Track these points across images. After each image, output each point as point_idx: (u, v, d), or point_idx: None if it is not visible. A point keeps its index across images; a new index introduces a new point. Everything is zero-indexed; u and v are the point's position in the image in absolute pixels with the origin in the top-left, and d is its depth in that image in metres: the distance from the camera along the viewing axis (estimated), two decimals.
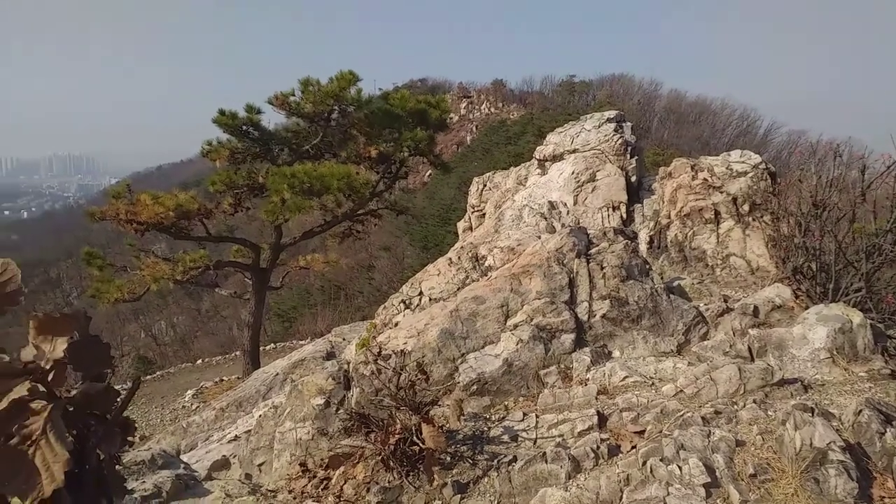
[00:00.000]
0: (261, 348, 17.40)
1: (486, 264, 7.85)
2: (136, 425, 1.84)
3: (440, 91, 72.35)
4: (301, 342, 21.32)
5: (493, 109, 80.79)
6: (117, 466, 1.74)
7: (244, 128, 15.00)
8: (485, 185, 12.24)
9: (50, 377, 1.40)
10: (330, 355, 11.49)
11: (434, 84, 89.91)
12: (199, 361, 22.14)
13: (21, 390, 1.36)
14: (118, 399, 1.71)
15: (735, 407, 3.98)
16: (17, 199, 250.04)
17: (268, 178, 14.41)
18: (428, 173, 58.79)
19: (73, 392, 1.55)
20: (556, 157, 10.52)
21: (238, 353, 20.61)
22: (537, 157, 10.92)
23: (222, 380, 16.54)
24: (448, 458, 3.97)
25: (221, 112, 14.62)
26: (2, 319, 1.66)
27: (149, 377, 18.62)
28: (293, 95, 14.82)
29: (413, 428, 3.91)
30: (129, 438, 1.77)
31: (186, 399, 14.67)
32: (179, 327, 43.59)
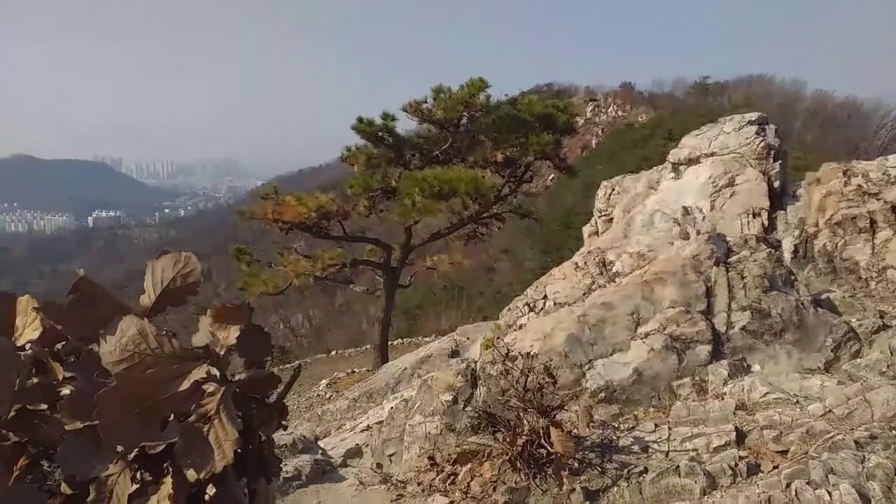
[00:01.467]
0: (389, 343, 18.06)
1: (614, 270, 7.72)
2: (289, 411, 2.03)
3: (566, 95, 71.36)
4: (426, 339, 21.86)
5: (620, 112, 78.50)
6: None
7: (380, 134, 15.66)
8: (613, 189, 12.00)
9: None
10: (455, 353, 11.74)
11: (560, 88, 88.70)
12: (333, 353, 23.32)
13: (200, 373, 1.51)
14: (278, 385, 1.90)
15: (894, 432, 3.68)
16: (175, 198, 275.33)
17: (400, 181, 14.98)
18: (551, 177, 58.19)
19: (241, 376, 1.74)
20: (692, 161, 10.12)
21: (368, 346, 21.49)
22: (671, 160, 10.56)
23: (353, 371, 17.35)
24: (576, 464, 3.98)
25: (360, 119, 15.35)
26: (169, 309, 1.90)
27: (286, 366, 19.87)
28: (425, 103, 15.30)
29: (541, 431, 3.96)
30: (283, 423, 1.96)
31: (321, 388, 15.53)
32: (314, 320, 46.07)
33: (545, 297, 7.72)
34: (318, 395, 15.00)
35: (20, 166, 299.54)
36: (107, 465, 1.35)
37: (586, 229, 12.14)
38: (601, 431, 4.49)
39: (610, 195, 11.73)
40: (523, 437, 4.03)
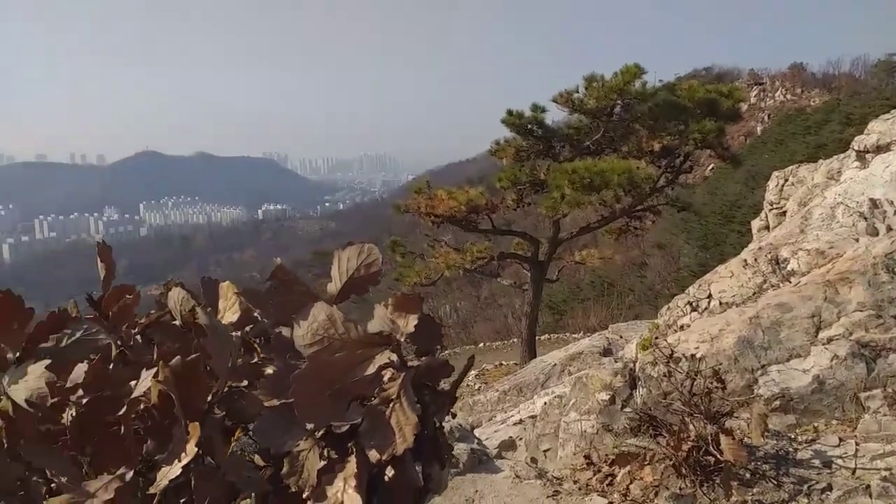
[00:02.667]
0: (536, 338, 18.00)
1: (789, 268, 7.10)
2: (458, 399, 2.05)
3: (727, 79, 66.56)
4: (574, 335, 21.54)
5: (789, 96, 71.85)
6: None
7: (529, 126, 15.59)
8: (786, 180, 11.03)
9: None
10: (607, 351, 11.45)
11: (721, 72, 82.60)
12: (481, 345, 23.65)
13: (383, 358, 1.57)
14: (451, 373, 1.93)
15: None
16: (335, 192, 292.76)
17: (549, 174, 14.83)
18: (710, 167, 54.74)
19: (416, 363, 1.79)
20: (881, 149, 9.04)
21: (515, 340, 21.56)
22: (855, 147, 9.51)
23: (501, 364, 17.48)
24: (748, 475, 3.72)
25: (509, 112, 15.39)
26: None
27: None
28: (577, 92, 15.00)
29: (709, 437, 3.74)
30: (453, 411, 1.99)
31: (470, 379, 15.81)
32: (461, 312, 46.95)
33: (709, 296, 7.27)
34: (468, 385, 15.28)
35: (201, 163, 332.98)
36: (297, 441, 1.44)
37: (755, 223, 11.28)
38: (776, 442, 4.15)
39: (783, 186, 10.81)
40: (689, 442, 3.82)
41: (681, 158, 15.77)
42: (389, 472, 1.53)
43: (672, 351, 4.60)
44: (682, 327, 6.64)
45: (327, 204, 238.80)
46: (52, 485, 0.95)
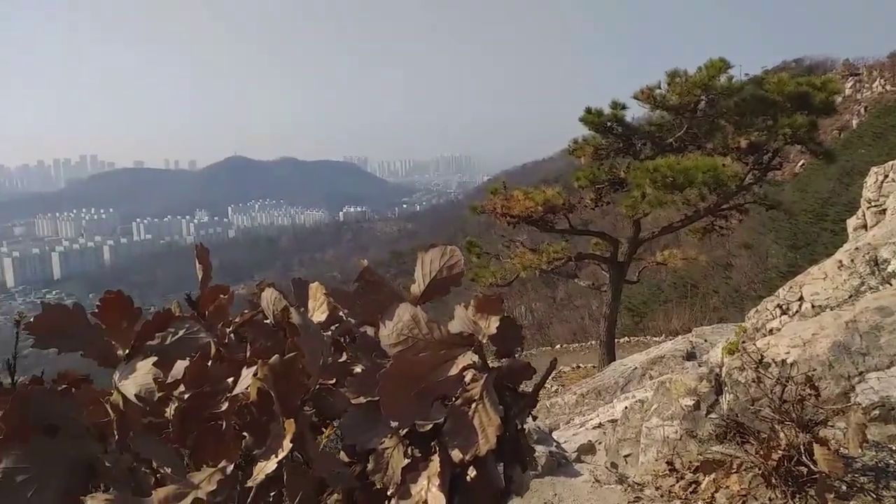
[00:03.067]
0: (615, 340, 17.63)
1: (889, 270, 6.66)
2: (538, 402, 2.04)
3: (820, 70, 62.85)
4: (655, 339, 20.97)
5: (889, 87, 67.21)
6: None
7: (608, 124, 15.31)
8: (886, 176, 10.34)
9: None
10: (690, 355, 11.08)
11: (812, 63, 78.02)
12: (557, 347, 23.38)
13: (466, 359, 1.58)
14: (532, 376, 1.92)
15: None
16: (412, 194, 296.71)
17: (629, 172, 14.51)
18: (801, 163, 51.92)
19: (498, 364, 1.79)
20: None
21: (593, 342, 21.21)
22: None
23: (579, 366, 17.23)
24: (844, 487, 3.51)
25: (588, 110, 15.16)
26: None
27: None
28: (658, 88, 14.62)
29: (801, 447, 3.55)
30: (533, 413, 1.97)
31: (547, 381, 15.61)
32: (536, 313, 46.54)
33: (801, 298, 6.91)
34: (545, 387, 15.10)
35: (286, 167, 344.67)
36: (382, 438, 1.47)
37: (851, 222, 10.64)
38: (875, 454, 3.90)
39: (882, 183, 10.14)
40: (779, 451, 3.65)
41: (769, 155, 15.10)
42: (471, 472, 1.54)
43: (761, 356, 4.40)
44: (771, 331, 6.34)
45: (405, 206, 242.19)
46: (158, 475, 1.02)
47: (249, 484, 0.97)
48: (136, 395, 1.00)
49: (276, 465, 0.95)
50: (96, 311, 1.15)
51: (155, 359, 1.05)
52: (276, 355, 1.05)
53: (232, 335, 1.66)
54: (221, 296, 1.70)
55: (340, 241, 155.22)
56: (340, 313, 1.73)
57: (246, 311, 1.71)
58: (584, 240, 18.73)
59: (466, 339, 1.58)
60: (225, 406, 1.00)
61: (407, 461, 1.46)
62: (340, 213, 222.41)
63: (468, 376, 1.56)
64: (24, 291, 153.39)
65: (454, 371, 1.44)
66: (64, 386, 1.07)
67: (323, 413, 1.57)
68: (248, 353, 1.56)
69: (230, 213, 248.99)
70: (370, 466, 1.43)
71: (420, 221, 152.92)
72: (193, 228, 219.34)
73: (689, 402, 4.83)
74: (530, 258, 15.13)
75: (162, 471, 0.97)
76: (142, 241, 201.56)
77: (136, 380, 1.01)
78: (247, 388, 1.03)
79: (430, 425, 1.48)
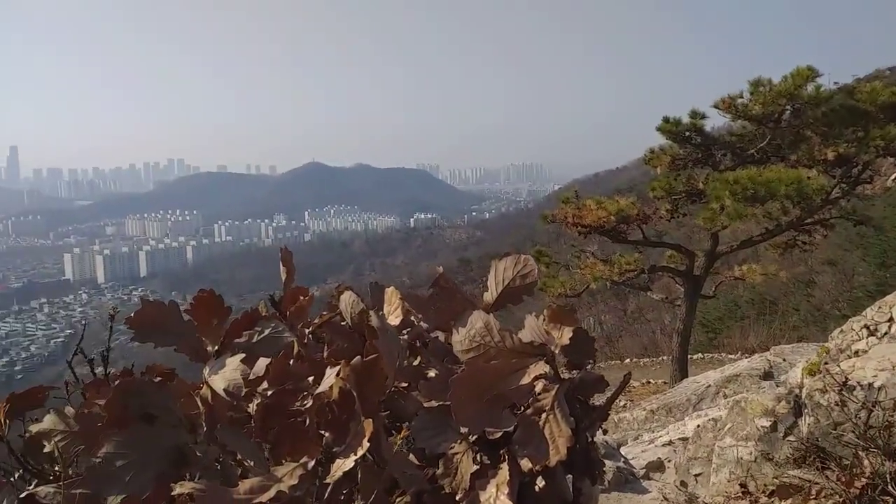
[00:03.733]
0: (688, 356, 17.10)
1: None
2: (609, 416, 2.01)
3: None
4: (730, 356, 20.22)
5: None
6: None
7: (687, 133, 14.91)
8: None
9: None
10: (767, 375, 10.62)
11: None
12: (627, 361, 22.88)
13: (539, 369, 1.58)
14: (604, 389, 1.90)
15: None
16: (482, 202, 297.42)
17: (707, 183, 14.08)
18: (893, 177, 48.91)
19: (572, 376, 1.78)
20: None
21: (664, 357, 20.64)
22: None
23: (649, 382, 16.79)
24: None
25: (665, 119, 14.81)
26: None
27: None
28: (741, 98, 14.14)
29: (887, 475, 3.36)
30: (604, 427, 1.94)
31: (621, 402, 15.33)
32: (606, 325, 45.61)
33: (891, 319, 6.54)
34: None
35: (361, 174, 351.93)
36: (452, 443, 1.48)
37: None
38: None
39: None
40: (863, 479, 3.46)
41: (859, 167, 14.34)
42: (540, 482, 1.53)
43: (846, 378, 4.19)
44: (856, 353, 6.02)
45: (474, 213, 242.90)
46: (242, 467, 1.07)
47: (327, 480, 1.01)
48: (224, 390, 1.06)
49: (353, 463, 0.99)
50: (189, 308, 1.22)
51: (243, 356, 1.11)
52: (359, 357, 1.08)
53: (310, 336, 1.72)
54: (301, 297, 1.77)
55: (410, 246, 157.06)
56: (412, 318, 1.76)
57: (324, 313, 1.77)
58: (658, 252, 18.23)
59: (538, 348, 1.58)
60: (309, 403, 1.04)
61: (476, 467, 1.47)
62: (411, 220, 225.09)
63: (538, 386, 1.56)
64: (113, 287, 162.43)
65: (526, 380, 1.44)
66: (160, 378, 1.15)
67: (394, 415, 1.60)
68: (325, 354, 1.62)
69: (307, 217, 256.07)
70: (439, 471, 1.45)
71: (489, 229, 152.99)
72: (272, 231, 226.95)
73: (765, 423, 4.64)
74: (601, 269, 14.88)
75: (245, 463, 1.02)
76: (222, 243, 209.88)
77: (225, 375, 1.07)
78: (329, 387, 1.07)
79: (500, 433, 1.49)
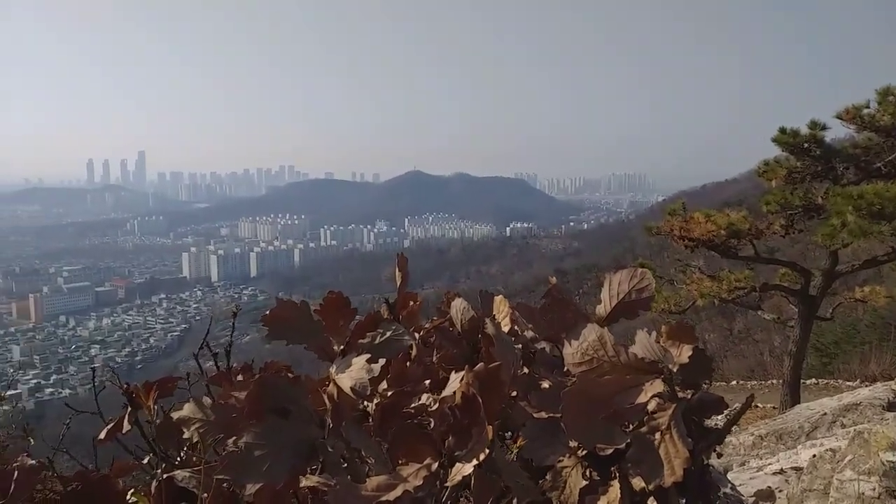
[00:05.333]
0: (801, 382, 16.06)
1: None
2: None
3: None
4: (848, 383, 18.81)
5: None
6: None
7: (805, 145, 14.04)
8: None
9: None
10: (892, 406, 9.80)
11: None
12: (733, 383, 21.80)
13: (656, 387, 1.53)
14: (723, 411, 1.83)
15: None
16: (580, 212, 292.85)
17: (827, 198, 13.21)
18: None
19: (690, 396, 1.72)
20: None
21: (773, 381, 19.50)
22: None
23: (757, 406, 15.88)
24: None
25: (782, 130, 14.02)
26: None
27: None
28: (867, 107, 13.19)
29: None
30: (719, 451, 1.86)
31: (719, 418, 14.59)
32: (710, 344, 43.58)
33: None
34: (717, 425, 14.11)
35: (459, 183, 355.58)
36: (561, 456, 1.47)
37: None
38: None
39: None
40: None
41: None
42: (651, 502, 1.49)
43: None
44: None
45: (572, 223, 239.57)
46: (365, 464, 1.11)
47: (447, 484, 1.03)
48: (351, 389, 1.10)
49: (472, 468, 1.00)
50: (318, 308, 1.29)
51: (368, 356, 1.15)
52: (482, 364, 1.10)
53: (419, 340, 1.76)
54: (412, 302, 1.82)
55: (506, 255, 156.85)
56: (516, 327, 1.76)
57: (435, 318, 1.80)
58: (769, 269, 17.27)
59: (654, 365, 1.54)
60: (434, 406, 1.07)
61: (585, 483, 1.45)
62: (507, 229, 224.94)
63: (652, 404, 1.52)
64: (225, 286, 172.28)
65: (643, 398, 1.41)
66: (295, 375, 1.21)
67: (501, 423, 1.61)
68: (434, 358, 1.65)
69: (406, 224, 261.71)
70: (548, 483, 1.44)
71: (586, 240, 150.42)
72: (373, 237, 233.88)
73: (891, 457, 4.29)
74: (708, 285, 14.24)
75: (367, 460, 1.06)
76: (327, 247, 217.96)
77: (352, 374, 1.12)
78: (453, 392, 1.09)
79: (612, 449, 1.46)
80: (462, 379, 1.07)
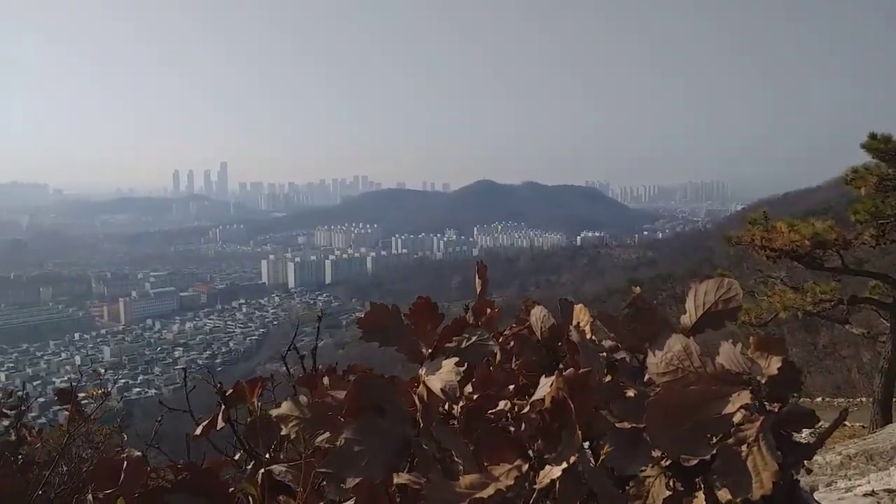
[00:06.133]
0: (892, 400, 15.13)
1: None
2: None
3: None
4: None
5: None
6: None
7: None
8: None
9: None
10: None
11: None
12: (818, 399, 20.78)
13: (744, 398, 1.50)
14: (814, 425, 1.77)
15: None
16: (655, 221, 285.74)
17: None
18: None
19: (778, 409, 1.67)
20: None
21: (862, 399, 18.48)
22: None
23: (844, 424, 15.05)
24: None
25: (872, 136, 13.34)
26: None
27: None
28: None
29: None
30: (808, 467, 1.80)
31: (803, 435, 13.92)
32: (793, 359, 41.57)
33: None
34: (806, 440, 13.46)
35: (529, 191, 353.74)
36: (643, 466, 1.46)
37: None
38: None
39: None
40: None
41: None
42: None
43: None
44: None
45: (646, 232, 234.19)
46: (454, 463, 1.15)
47: (536, 486, 1.05)
48: (441, 390, 1.15)
49: (560, 472, 1.02)
50: (408, 313, 1.34)
51: (457, 359, 1.20)
52: (572, 369, 1.12)
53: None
54: (489, 310, 1.85)
55: (576, 265, 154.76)
56: (594, 336, 1.77)
57: (514, 325, 1.83)
58: (857, 281, 16.41)
59: (740, 377, 1.52)
60: (524, 410, 1.10)
61: (668, 493, 1.44)
62: (578, 238, 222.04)
63: (738, 416, 1.50)
64: (301, 292, 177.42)
65: (730, 409, 1.39)
66: (390, 375, 1.27)
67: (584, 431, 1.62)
68: (512, 364, 1.68)
69: (475, 233, 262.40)
70: (631, 492, 1.44)
71: (661, 249, 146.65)
72: (442, 245, 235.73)
73: None
74: (792, 297, 13.64)
75: (458, 460, 1.10)
76: (398, 255, 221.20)
77: (442, 376, 1.16)
78: (543, 396, 1.11)
79: (696, 460, 1.45)
80: (552, 383, 1.10)
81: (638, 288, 1.60)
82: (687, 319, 1.58)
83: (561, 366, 1.74)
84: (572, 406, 1.06)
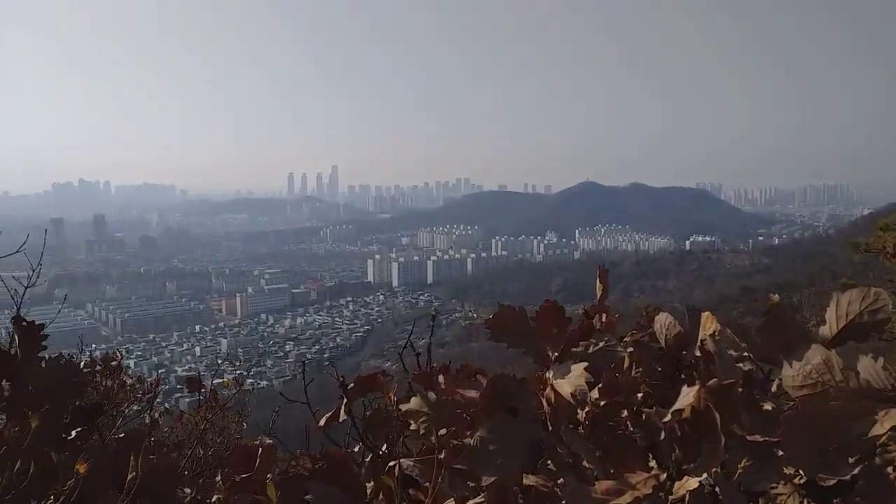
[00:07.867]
0: None
1: None
2: None
3: None
4: None
5: None
6: None
7: None
8: None
9: None
10: None
11: None
12: None
13: (893, 418, 1.39)
14: None
15: None
16: (770, 226, 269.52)
17: None
18: None
19: None
20: None
21: None
22: None
23: None
24: None
25: None
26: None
27: None
28: None
29: None
30: None
31: None
32: None
33: None
34: None
35: (634, 193, 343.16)
36: (774, 483, 1.40)
37: None
38: None
39: None
40: None
41: None
42: None
43: None
44: None
45: (761, 238, 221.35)
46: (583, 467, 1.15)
47: (672, 496, 1.03)
48: (571, 394, 1.15)
49: (697, 483, 1.00)
50: (534, 316, 1.35)
51: (586, 364, 1.19)
52: (715, 379, 1.09)
53: None
54: (606, 315, 1.82)
55: (684, 270, 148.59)
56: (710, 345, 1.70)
57: (635, 332, 1.79)
58: None
59: (886, 394, 1.42)
60: (667, 418, 1.08)
61: None
62: (687, 242, 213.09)
63: (884, 435, 1.40)
64: (404, 291, 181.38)
65: (878, 430, 1.29)
66: (521, 377, 1.29)
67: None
68: (633, 372, 1.65)
69: (577, 235, 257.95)
70: None
71: (777, 256, 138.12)
72: (542, 248, 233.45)
73: None
74: None
75: (588, 465, 1.10)
76: (498, 256, 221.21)
77: (571, 380, 1.16)
78: (684, 406, 1.09)
79: (835, 480, 1.37)
80: (695, 393, 1.07)
81: (777, 296, 1.53)
82: (827, 330, 1.49)
83: (683, 375, 1.69)
84: (718, 417, 1.02)
